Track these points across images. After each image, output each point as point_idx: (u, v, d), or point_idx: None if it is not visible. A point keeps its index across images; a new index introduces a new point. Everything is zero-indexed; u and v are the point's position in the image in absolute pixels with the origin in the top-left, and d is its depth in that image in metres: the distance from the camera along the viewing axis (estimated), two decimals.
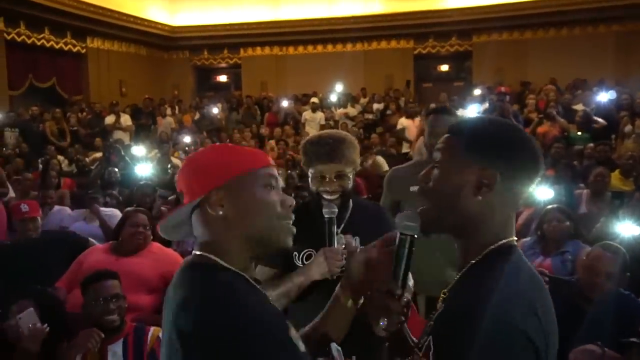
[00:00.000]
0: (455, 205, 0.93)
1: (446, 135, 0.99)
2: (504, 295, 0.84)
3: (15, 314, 2.15)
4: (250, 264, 1.04)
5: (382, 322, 0.98)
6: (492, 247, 0.93)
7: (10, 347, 2.14)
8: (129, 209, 3.17)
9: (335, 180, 1.70)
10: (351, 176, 1.74)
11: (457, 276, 0.97)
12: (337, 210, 1.66)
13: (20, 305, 2.21)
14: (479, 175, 0.92)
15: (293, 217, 1.06)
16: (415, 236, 0.99)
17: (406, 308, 1.00)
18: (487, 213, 0.93)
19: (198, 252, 1.02)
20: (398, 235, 1.00)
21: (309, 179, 1.76)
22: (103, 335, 2.11)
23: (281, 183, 1.07)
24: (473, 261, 0.93)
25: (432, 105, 6.56)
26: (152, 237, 2.88)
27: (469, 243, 0.96)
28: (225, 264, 0.99)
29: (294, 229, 1.06)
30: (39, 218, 3.24)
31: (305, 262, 1.73)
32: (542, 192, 3.88)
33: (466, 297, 0.88)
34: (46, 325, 2.14)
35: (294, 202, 1.06)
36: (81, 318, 2.43)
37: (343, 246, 1.69)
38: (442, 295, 0.98)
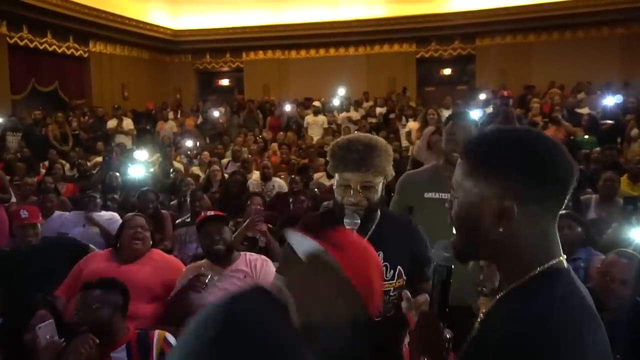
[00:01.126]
0: (480, 237, 0.87)
1: (459, 161, 0.91)
2: (545, 329, 0.76)
3: (35, 324, 2.09)
4: None
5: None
6: (532, 273, 0.84)
7: (23, 357, 2.08)
8: (128, 214, 3.11)
9: (360, 191, 1.57)
10: (380, 187, 1.61)
11: (497, 298, 0.90)
12: (359, 221, 1.55)
13: (40, 316, 2.14)
14: (495, 207, 0.84)
15: None
16: (452, 267, 0.96)
17: (448, 343, 0.95)
18: (515, 241, 0.85)
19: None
20: (434, 265, 0.98)
21: (334, 186, 1.66)
22: (97, 341, 2.04)
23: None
24: (513, 285, 0.86)
25: (431, 112, 6.12)
26: (151, 242, 2.82)
27: (507, 267, 0.88)
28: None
29: None
30: (39, 224, 3.18)
31: None
32: None
33: (504, 326, 0.80)
34: (63, 340, 2.09)
35: None
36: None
37: None
38: (481, 315, 0.92)
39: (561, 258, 0.87)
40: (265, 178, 5.89)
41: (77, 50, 11.42)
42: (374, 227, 1.67)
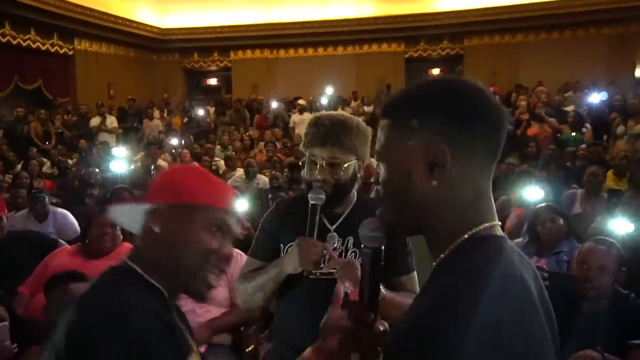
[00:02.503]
0: (411, 199, 0.76)
1: (380, 124, 0.81)
2: (452, 304, 0.65)
3: None
4: (173, 288, 1.01)
5: (354, 358, 0.82)
6: (460, 239, 0.74)
7: None
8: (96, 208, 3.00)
9: (326, 168, 1.50)
10: (349, 166, 1.53)
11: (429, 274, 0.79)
12: (324, 196, 1.47)
13: None
14: (425, 155, 0.74)
15: (222, 269, 1.02)
16: (383, 247, 0.84)
17: (382, 337, 0.82)
18: (450, 197, 0.75)
19: (126, 259, 1.00)
20: (361, 248, 0.87)
21: (305, 165, 1.59)
22: None
23: (233, 231, 1.03)
24: (440, 257, 0.76)
25: None
26: (122, 237, 2.72)
27: (436, 237, 0.78)
28: (146, 276, 0.97)
29: (215, 283, 1.02)
30: (4, 218, 3.06)
31: None
32: (533, 193, 3.78)
33: (418, 307, 0.70)
34: (15, 345, 1.99)
35: (231, 255, 1.04)
36: (43, 323, 2.27)
37: (334, 246, 1.53)
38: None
39: (494, 223, 0.76)
40: (249, 175, 5.85)
41: (61, 47, 11.24)
42: (347, 211, 1.59)
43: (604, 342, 1.76)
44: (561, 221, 2.85)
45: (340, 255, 1.56)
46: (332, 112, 1.60)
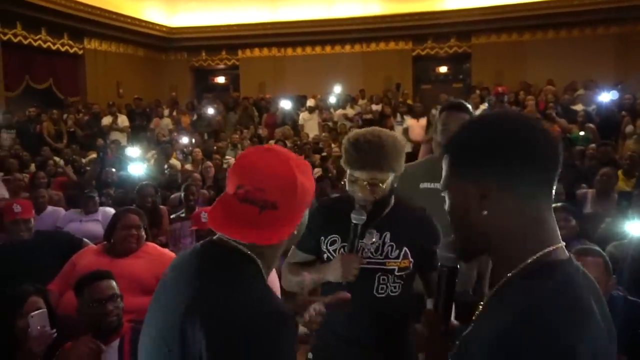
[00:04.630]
0: (471, 228, 0.87)
1: (444, 157, 0.93)
2: (531, 328, 0.73)
3: (28, 311, 2.08)
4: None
5: (420, 357, 0.99)
6: (522, 265, 0.82)
7: (14, 346, 2.07)
8: (120, 210, 3.08)
9: (368, 187, 1.64)
10: (389, 181, 1.67)
11: (493, 290, 0.88)
12: (365, 218, 1.63)
13: (33, 302, 2.14)
14: (475, 189, 0.84)
15: None
16: (458, 267, 0.97)
17: (450, 343, 0.93)
18: (505, 224, 0.84)
19: (245, 246, 1.06)
20: (439, 266, 1.00)
21: (346, 178, 1.74)
22: (104, 349, 2.07)
23: None
24: (507, 276, 0.84)
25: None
26: (145, 237, 2.80)
27: (499, 260, 0.87)
28: (261, 265, 1.07)
29: None
30: (32, 219, 3.14)
31: (329, 247, 1.76)
32: None
33: (493, 321, 0.78)
34: (54, 330, 2.08)
35: None
36: (74, 320, 2.36)
37: (372, 241, 1.68)
38: (479, 307, 0.91)
39: (559, 245, 0.85)
40: None
41: (71, 47, 11.36)
42: (387, 211, 1.74)
43: (625, 349, 1.80)
44: (574, 222, 2.91)
45: (377, 248, 1.71)
46: (369, 134, 1.67)
